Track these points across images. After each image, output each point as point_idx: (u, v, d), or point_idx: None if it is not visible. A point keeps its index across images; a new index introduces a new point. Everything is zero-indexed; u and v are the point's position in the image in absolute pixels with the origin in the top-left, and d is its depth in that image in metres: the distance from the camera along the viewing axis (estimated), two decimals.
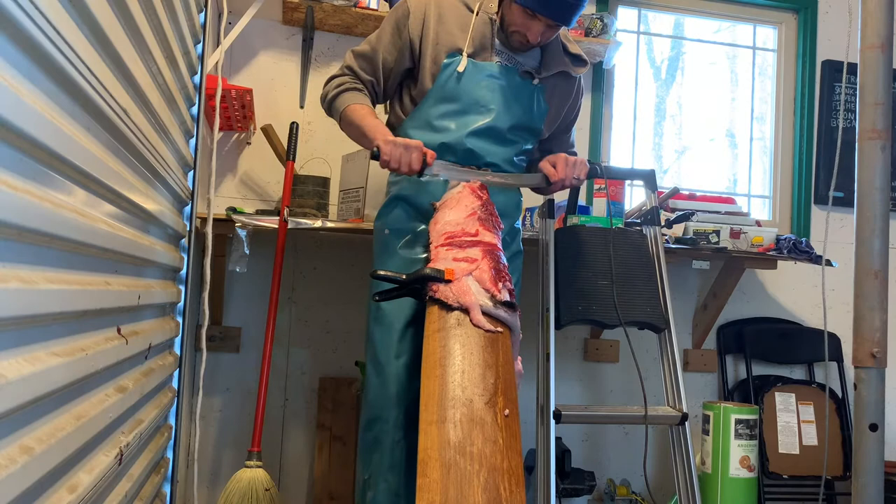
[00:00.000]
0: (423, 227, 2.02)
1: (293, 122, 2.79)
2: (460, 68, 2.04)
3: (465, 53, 2.05)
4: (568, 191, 2.39)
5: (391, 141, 1.88)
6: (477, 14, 2.08)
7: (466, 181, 1.97)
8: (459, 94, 2.05)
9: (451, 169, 1.98)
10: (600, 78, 3.44)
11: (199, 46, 2.28)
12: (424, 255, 1.99)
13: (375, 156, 1.90)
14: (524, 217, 3.00)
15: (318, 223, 2.62)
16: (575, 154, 2.34)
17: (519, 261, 2.23)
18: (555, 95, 2.18)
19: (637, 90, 3.64)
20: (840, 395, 3.44)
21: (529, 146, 2.20)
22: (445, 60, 2.05)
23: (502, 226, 1.92)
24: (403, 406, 1.92)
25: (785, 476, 3.21)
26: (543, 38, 2.03)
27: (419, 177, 1.92)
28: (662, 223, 2.38)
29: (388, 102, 2.26)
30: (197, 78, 2.25)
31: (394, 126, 2.19)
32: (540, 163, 2.11)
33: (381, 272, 1.66)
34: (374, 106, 2.18)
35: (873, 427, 1.53)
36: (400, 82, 2.17)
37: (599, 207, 3.00)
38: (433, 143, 2.05)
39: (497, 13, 2.08)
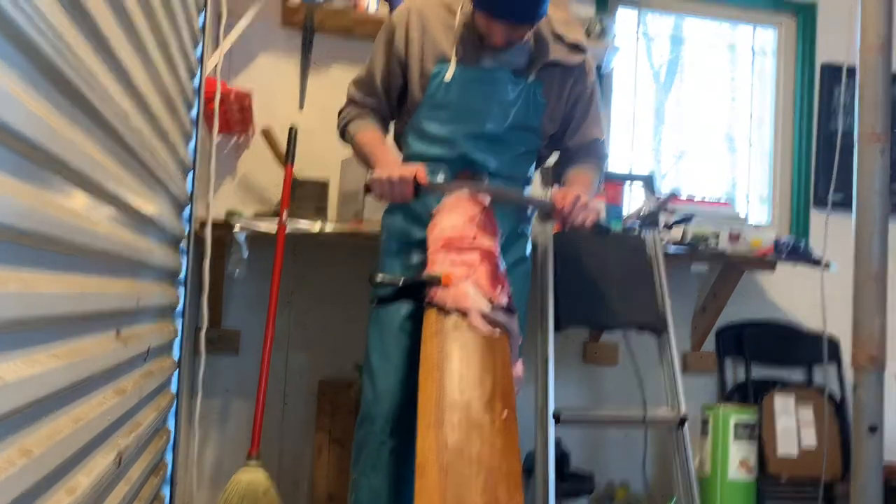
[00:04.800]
0: (421, 231, 2.00)
1: (292, 126, 2.78)
2: (447, 77, 2.01)
3: (452, 60, 2.02)
4: None
5: (377, 179, 1.89)
6: (458, 17, 2.04)
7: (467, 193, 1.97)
8: (450, 102, 2.03)
9: (449, 185, 1.97)
10: (599, 80, 3.44)
11: (198, 49, 2.28)
12: (422, 260, 1.98)
13: (368, 190, 1.94)
14: None
15: (316, 227, 2.62)
16: (602, 155, 2.24)
17: (525, 267, 2.17)
18: (553, 88, 2.10)
19: (636, 93, 3.64)
20: (839, 397, 3.44)
21: (533, 146, 2.15)
22: (434, 70, 2.03)
23: (501, 232, 1.91)
24: (391, 408, 1.93)
25: (784, 478, 3.21)
26: (513, 36, 1.94)
27: (417, 198, 1.91)
28: (661, 226, 2.38)
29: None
30: (196, 80, 2.25)
31: (399, 137, 2.21)
32: (553, 192, 2.02)
33: (379, 277, 1.66)
34: (387, 124, 2.21)
35: (872, 429, 1.53)
36: (397, 97, 2.16)
37: None
38: (430, 153, 2.04)
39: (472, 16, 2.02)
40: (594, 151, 2.23)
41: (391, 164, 1.96)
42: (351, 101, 2.18)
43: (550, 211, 1.97)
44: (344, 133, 2.18)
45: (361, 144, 2.10)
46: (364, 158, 2.10)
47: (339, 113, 2.21)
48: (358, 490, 1.94)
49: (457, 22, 2.04)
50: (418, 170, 1.88)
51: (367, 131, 2.12)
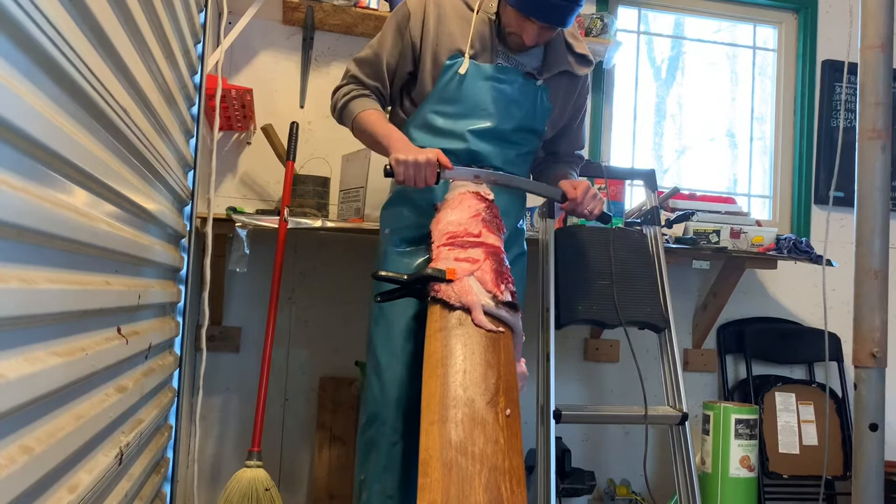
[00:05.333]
0: (424, 226, 2.00)
1: (293, 122, 2.78)
2: (462, 70, 2.01)
3: (466, 55, 2.03)
4: None
5: (403, 160, 1.85)
6: (477, 13, 2.05)
7: (482, 180, 1.96)
8: (461, 96, 2.03)
9: (468, 173, 1.96)
10: (600, 78, 3.44)
11: (200, 46, 2.28)
12: (426, 255, 1.98)
13: (389, 173, 1.89)
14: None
15: (318, 223, 2.62)
16: (581, 157, 2.34)
17: (523, 262, 2.21)
18: (559, 95, 2.15)
19: (637, 90, 3.64)
20: (840, 394, 3.44)
21: (533, 147, 2.18)
22: (447, 62, 2.03)
23: (505, 229, 1.91)
24: (402, 408, 1.91)
25: (785, 476, 3.21)
26: (540, 39, 1.99)
27: (436, 184, 1.91)
28: (662, 223, 2.38)
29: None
30: (197, 78, 2.25)
31: (397, 127, 2.16)
32: (561, 182, 2.10)
33: (382, 273, 1.66)
34: (385, 109, 2.16)
35: (873, 427, 1.53)
36: (401, 85, 2.15)
37: None
38: (435, 146, 2.02)
39: (496, 13, 2.05)
40: (577, 157, 2.35)
41: (410, 147, 1.93)
42: (354, 78, 2.11)
43: (562, 200, 2.07)
44: (343, 110, 2.10)
45: (370, 123, 2.03)
46: (372, 139, 2.03)
47: (337, 90, 2.14)
48: (369, 492, 1.91)
49: (474, 17, 2.05)
50: (440, 154, 1.89)
51: (374, 111, 2.06)
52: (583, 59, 2.16)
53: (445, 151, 2.02)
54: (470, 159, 2.04)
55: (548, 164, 2.32)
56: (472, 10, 2.06)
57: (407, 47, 2.06)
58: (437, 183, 1.89)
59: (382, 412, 1.92)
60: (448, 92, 2.04)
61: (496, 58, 2.06)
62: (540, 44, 2.04)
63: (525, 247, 2.23)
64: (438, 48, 2.04)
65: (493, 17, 2.05)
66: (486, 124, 2.04)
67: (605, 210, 2.09)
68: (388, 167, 1.89)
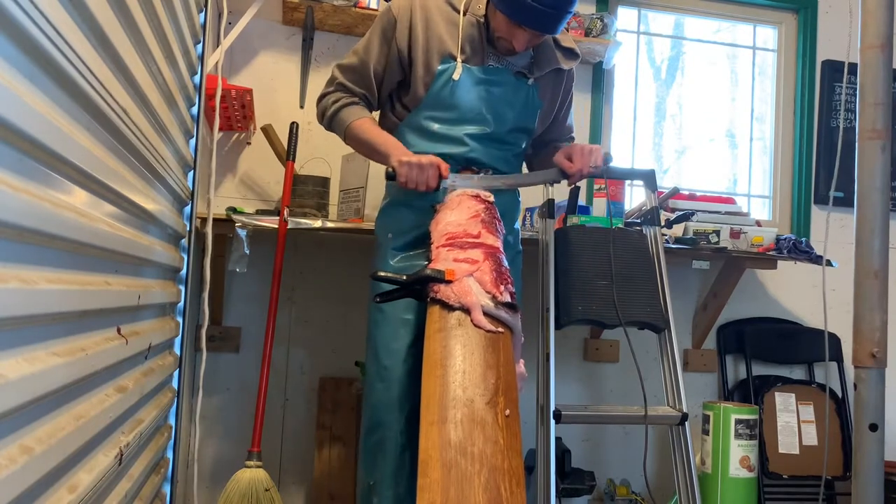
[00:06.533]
0: (423, 228, 2.00)
1: (293, 122, 2.78)
2: (455, 76, 2.00)
3: (458, 60, 2.01)
4: (568, 190, 2.39)
5: (406, 162, 1.86)
6: (464, 15, 2.03)
7: (482, 188, 1.97)
8: (456, 102, 2.02)
9: (465, 178, 1.97)
10: (600, 78, 3.44)
11: (199, 46, 2.28)
12: (425, 257, 1.98)
13: (391, 176, 1.89)
14: (524, 217, 3.00)
15: (318, 223, 2.62)
16: (573, 139, 2.34)
17: (518, 261, 2.22)
18: (547, 91, 2.15)
19: (637, 90, 3.64)
20: (840, 395, 3.44)
21: (525, 145, 2.20)
22: (439, 68, 2.01)
23: (504, 230, 1.91)
24: (406, 410, 1.90)
25: (785, 476, 3.21)
26: (530, 45, 1.99)
27: (435, 191, 1.91)
28: (662, 223, 2.37)
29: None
30: (197, 78, 2.25)
31: (389, 131, 2.15)
32: (554, 157, 2.08)
33: (382, 273, 1.65)
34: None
35: (873, 427, 1.53)
36: (390, 90, 2.14)
37: (599, 207, 3.00)
38: (433, 151, 2.02)
39: (485, 16, 2.03)
40: (568, 140, 2.35)
41: (409, 153, 1.94)
42: (340, 86, 2.09)
43: (563, 177, 2.07)
44: (334, 118, 2.09)
45: (365, 132, 2.02)
46: (369, 146, 2.02)
47: (323, 97, 2.12)
48: (380, 498, 1.90)
49: (461, 19, 2.03)
50: (440, 160, 1.89)
51: (367, 119, 2.06)
52: (570, 53, 2.15)
53: (443, 156, 2.01)
54: (469, 162, 2.04)
55: (539, 151, 2.32)
56: (459, 12, 2.03)
57: (394, 56, 2.04)
58: (436, 189, 1.90)
59: (387, 416, 1.91)
60: (442, 98, 2.02)
61: (487, 59, 2.05)
62: (529, 48, 2.03)
63: (520, 246, 2.25)
64: (429, 54, 2.02)
65: (482, 20, 2.03)
66: (483, 129, 2.04)
67: (605, 157, 2.08)
68: (390, 170, 1.90)
